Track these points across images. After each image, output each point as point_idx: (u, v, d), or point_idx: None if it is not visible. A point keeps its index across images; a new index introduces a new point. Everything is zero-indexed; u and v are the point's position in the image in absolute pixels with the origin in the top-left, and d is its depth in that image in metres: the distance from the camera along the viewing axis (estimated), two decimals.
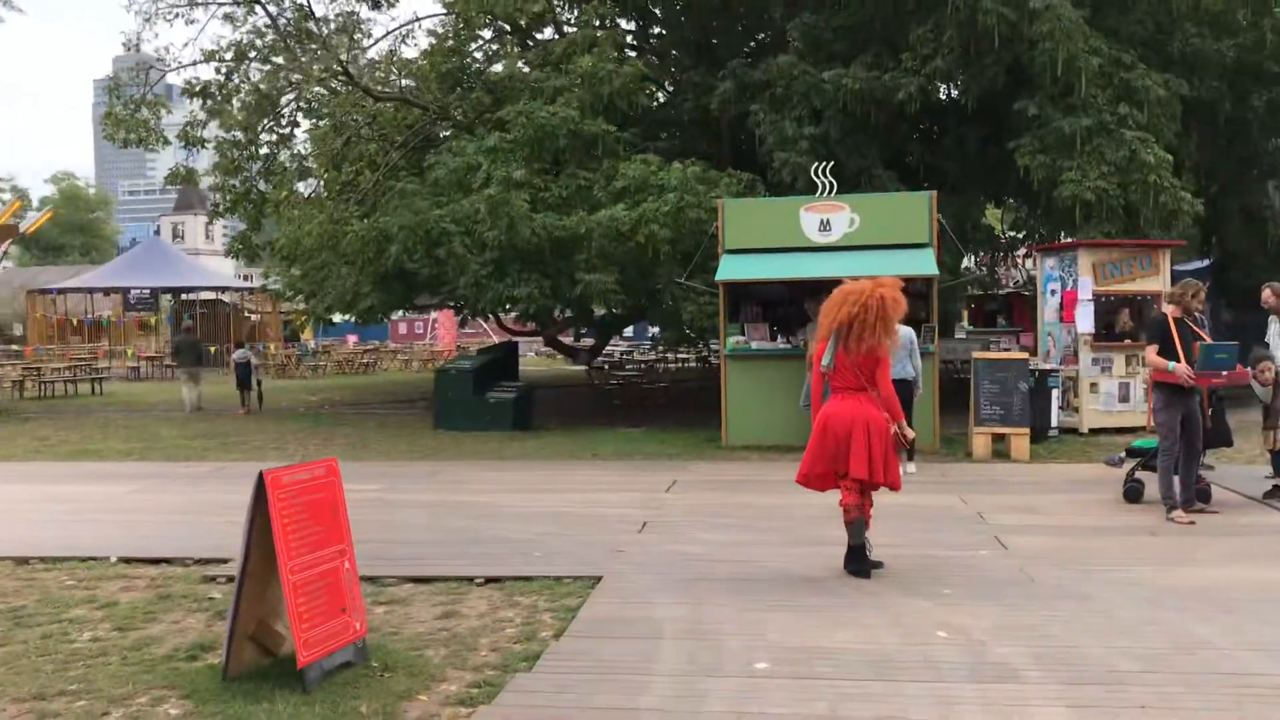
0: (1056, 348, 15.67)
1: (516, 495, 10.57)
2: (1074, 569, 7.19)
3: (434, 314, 41.90)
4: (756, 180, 17.34)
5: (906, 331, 11.73)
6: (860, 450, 6.88)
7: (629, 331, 39.56)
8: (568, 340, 30.61)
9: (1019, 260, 30.24)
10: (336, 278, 19.27)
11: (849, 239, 14.07)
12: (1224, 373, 8.83)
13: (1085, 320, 15.12)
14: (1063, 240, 17.52)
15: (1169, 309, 9.17)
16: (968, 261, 22.12)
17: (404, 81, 22.70)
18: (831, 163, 15.21)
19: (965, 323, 38.66)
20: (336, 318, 21.76)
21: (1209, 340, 8.99)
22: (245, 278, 46.54)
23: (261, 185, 24.72)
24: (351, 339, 44.35)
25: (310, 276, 20.41)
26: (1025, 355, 14.41)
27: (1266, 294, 10.61)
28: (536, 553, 7.86)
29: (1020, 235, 24.76)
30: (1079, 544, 7.98)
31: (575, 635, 5.84)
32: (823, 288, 14.45)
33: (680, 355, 29.07)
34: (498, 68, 23.17)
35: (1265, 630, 5.77)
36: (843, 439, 6.94)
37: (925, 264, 13.58)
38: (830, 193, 14.29)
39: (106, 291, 41.20)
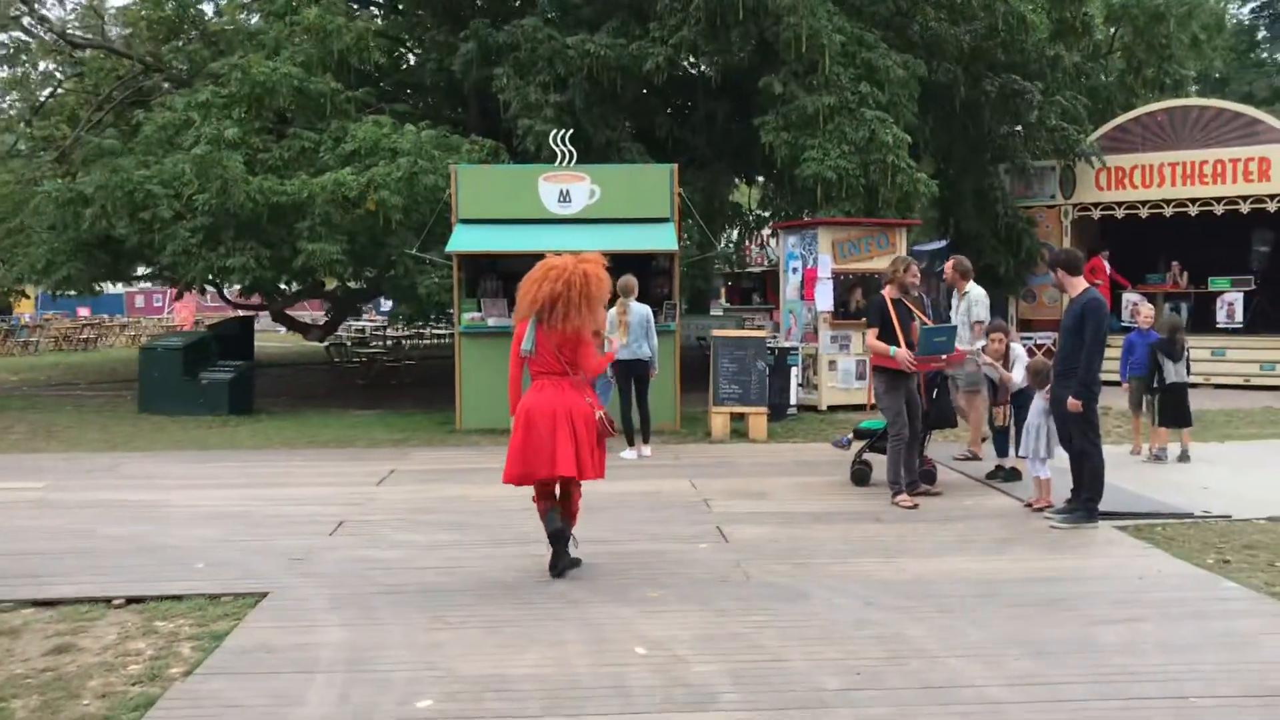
0: (798, 325, 15.58)
1: (204, 492, 9.37)
2: (793, 563, 6.75)
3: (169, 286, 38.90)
4: (500, 148, 16.46)
5: (643, 310, 11.21)
6: (566, 446, 6.24)
7: (387, 306, 37.85)
8: (303, 317, 28.94)
9: (766, 239, 30.60)
10: (29, 244, 17.18)
11: (589, 211, 13.40)
12: (944, 356, 8.69)
13: (825, 298, 15.06)
14: (805, 218, 17.47)
15: (886, 289, 8.90)
16: (719, 239, 21.96)
17: (114, 30, 20.52)
18: (575, 132, 14.55)
19: (723, 300, 39.06)
20: (31, 289, 19.47)
21: (927, 319, 8.83)
22: None
23: None
24: (83, 312, 40.71)
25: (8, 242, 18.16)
26: (763, 333, 14.22)
27: (948, 267, 10.63)
28: (200, 564, 6.79)
29: (768, 213, 24.88)
30: (802, 533, 7.58)
31: (208, 672, 4.87)
32: None
33: (436, 331, 27.89)
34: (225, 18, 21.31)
35: (977, 632, 5.42)
36: (547, 435, 6.26)
37: (666, 239, 13.08)
38: (570, 162, 13.58)
39: None
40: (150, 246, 15.95)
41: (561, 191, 13.38)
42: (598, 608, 5.82)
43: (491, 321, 13.51)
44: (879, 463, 9.15)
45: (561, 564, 6.49)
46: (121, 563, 6.85)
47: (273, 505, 8.73)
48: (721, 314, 31.59)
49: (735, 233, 26.02)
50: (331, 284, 18.99)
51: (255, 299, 21.53)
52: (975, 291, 10.35)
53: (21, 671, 4.97)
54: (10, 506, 8.67)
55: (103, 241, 16.88)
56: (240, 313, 28.15)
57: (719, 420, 12.80)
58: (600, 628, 5.49)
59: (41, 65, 22.05)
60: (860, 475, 9.37)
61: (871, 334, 8.64)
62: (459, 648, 5.18)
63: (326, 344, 24.67)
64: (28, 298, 22.71)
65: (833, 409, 14.78)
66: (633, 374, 11.15)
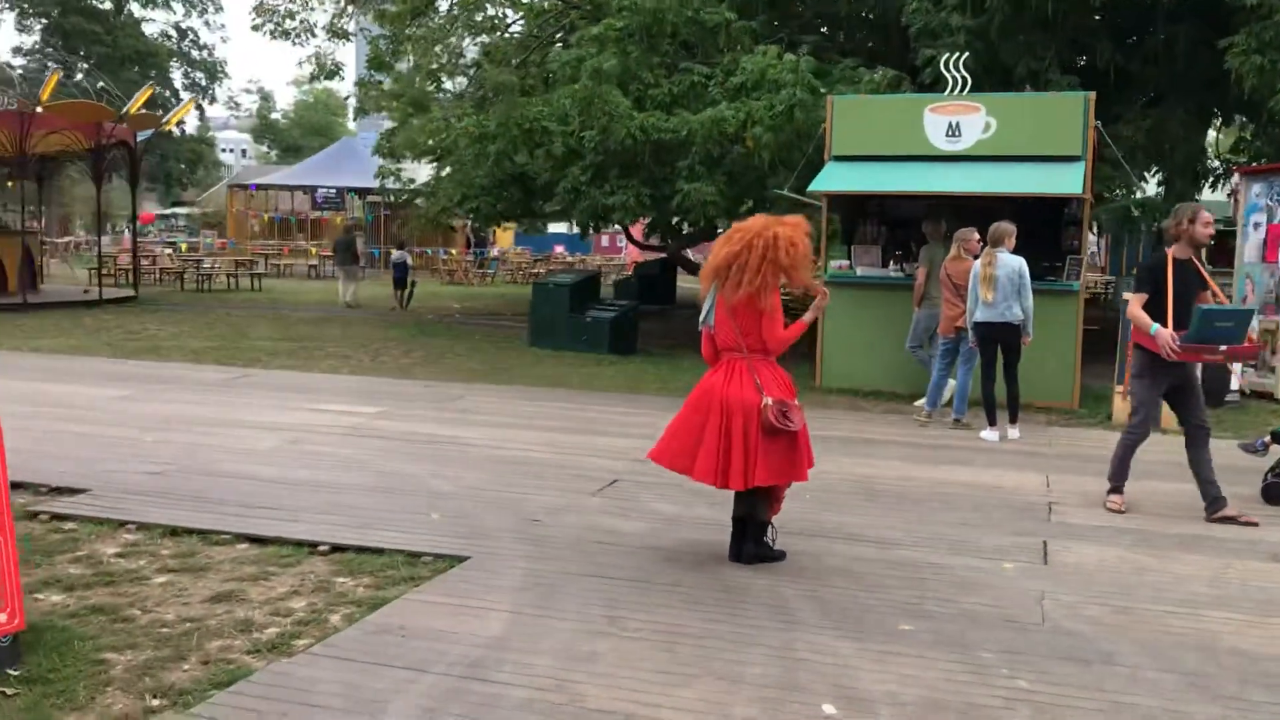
0: (1255, 293, 12.74)
1: (514, 432, 9.05)
2: (1118, 605, 5.05)
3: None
4: (902, 78, 14.86)
5: (1014, 262, 9.39)
6: (710, 448, 5.30)
7: None
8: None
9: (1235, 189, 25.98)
10: (453, 179, 18.13)
11: (982, 147, 11.60)
12: (1223, 347, 6.54)
13: None
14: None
15: (1173, 248, 6.79)
16: (1174, 188, 18.73)
17: None
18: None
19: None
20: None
21: (1215, 289, 6.80)
22: None
23: (416, 82, 23.81)
24: (558, 249, 43.65)
25: (441, 177, 19.35)
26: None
27: None
28: (435, 514, 6.32)
29: (1243, 159, 20.94)
30: (1156, 563, 5.77)
31: (324, 652, 4.27)
32: (944, 205, 12.26)
33: None
34: None
35: None
36: (697, 428, 5.36)
37: (1071, 181, 10.99)
38: (963, 90, 11.83)
39: (307, 189, 41.96)
40: (554, 184, 16.18)
41: (950, 124, 11.69)
42: (816, 635, 4.59)
43: (860, 271, 12.19)
44: None
45: (743, 552, 5.56)
46: (364, 503, 6.53)
47: (564, 453, 8.19)
48: None
49: (1200, 181, 22.17)
50: (724, 226, 18.36)
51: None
52: None
53: (174, 617, 4.66)
54: (325, 431, 8.80)
55: (516, 178, 17.40)
56: (650, 255, 28.55)
57: (1123, 402, 10.66)
58: (801, 665, 4.27)
59: (490, 11, 23.18)
60: (1273, 492, 7.18)
61: (1136, 301, 6.69)
62: (613, 664, 4.21)
63: None
64: (505, 231, 24.36)
65: None
66: (998, 340, 9.42)
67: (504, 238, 50.64)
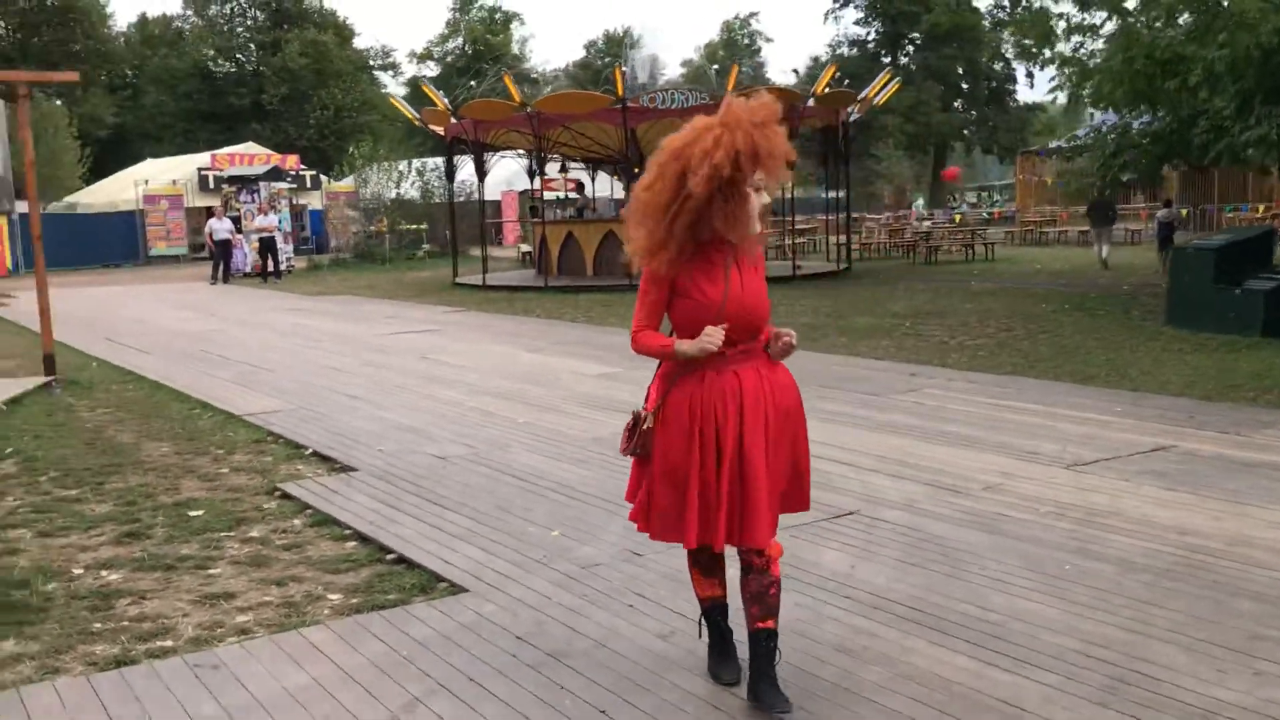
0: None
1: (888, 439, 7.51)
2: None
3: None
4: None
5: None
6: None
7: None
8: None
9: None
10: (1113, 127, 15.61)
11: None
12: None
13: None
14: None
15: None
16: None
17: None
18: None
19: None
20: None
21: None
22: None
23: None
24: None
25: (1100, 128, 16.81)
26: None
27: None
28: (555, 531, 5.55)
29: None
30: None
31: (113, 676, 4.00)
32: None
33: None
34: None
35: None
36: None
37: None
38: None
39: None
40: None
41: None
42: None
43: None
44: None
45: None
46: (540, 515, 5.96)
47: (870, 470, 6.61)
48: None
49: None
50: None
51: None
52: None
53: (151, 608, 4.77)
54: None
55: (1194, 117, 14.38)
56: None
57: None
58: None
59: None
60: None
61: None
62: None
63: None
64: None
65: None
66: None
67: None
